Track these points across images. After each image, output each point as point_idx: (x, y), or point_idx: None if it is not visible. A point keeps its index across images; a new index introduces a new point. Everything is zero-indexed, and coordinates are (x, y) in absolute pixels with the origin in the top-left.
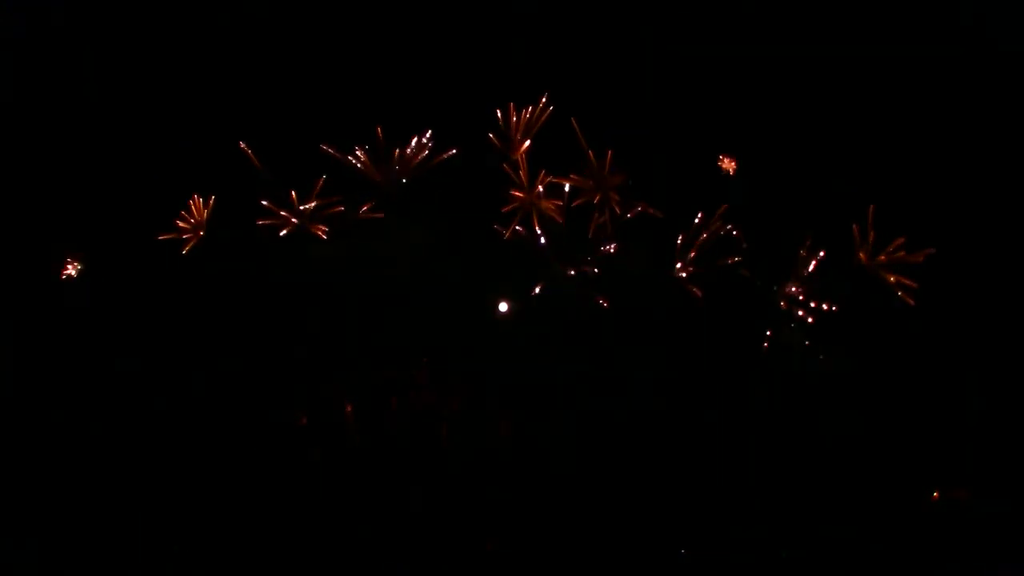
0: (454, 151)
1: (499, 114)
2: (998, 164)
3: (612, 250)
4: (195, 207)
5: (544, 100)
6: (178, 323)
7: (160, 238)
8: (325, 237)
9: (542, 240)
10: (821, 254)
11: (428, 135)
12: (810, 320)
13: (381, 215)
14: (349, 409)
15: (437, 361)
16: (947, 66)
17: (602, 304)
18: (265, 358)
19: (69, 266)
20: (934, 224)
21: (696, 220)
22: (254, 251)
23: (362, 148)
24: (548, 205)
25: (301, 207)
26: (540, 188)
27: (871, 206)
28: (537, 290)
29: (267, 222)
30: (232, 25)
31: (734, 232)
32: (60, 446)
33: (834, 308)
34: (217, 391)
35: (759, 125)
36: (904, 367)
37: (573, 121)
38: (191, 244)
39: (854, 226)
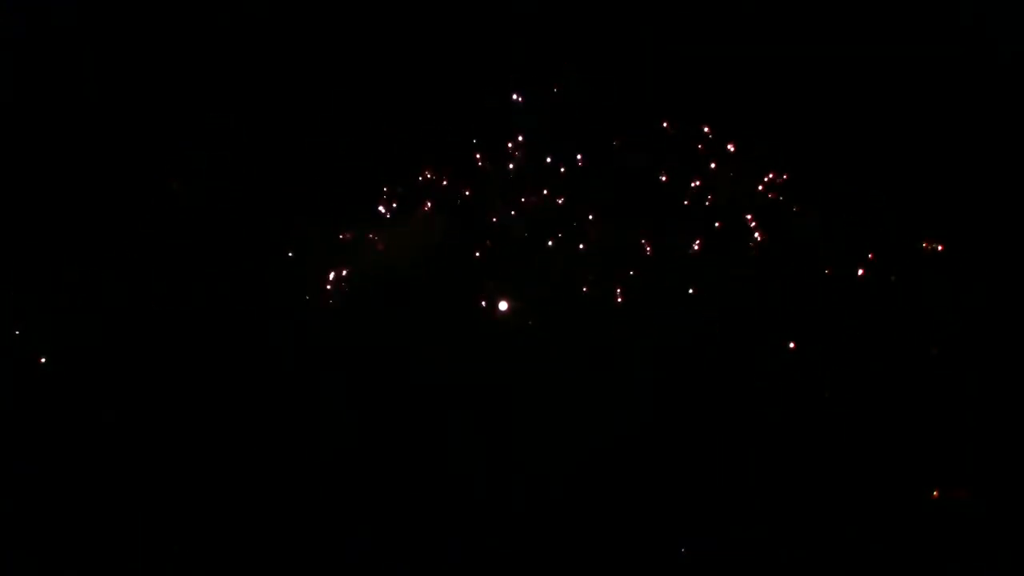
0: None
1: None
2: (998, 166)
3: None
4: None
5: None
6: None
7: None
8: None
9: None
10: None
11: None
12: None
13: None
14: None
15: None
16: (946, 67)
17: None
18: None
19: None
20: (934, 224)
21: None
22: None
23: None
24: None
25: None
26: None
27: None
28: None
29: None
30: (233, 25)
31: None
32: (60, 447)
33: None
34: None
35: (753, 126)
36: (904, 366)
37: None
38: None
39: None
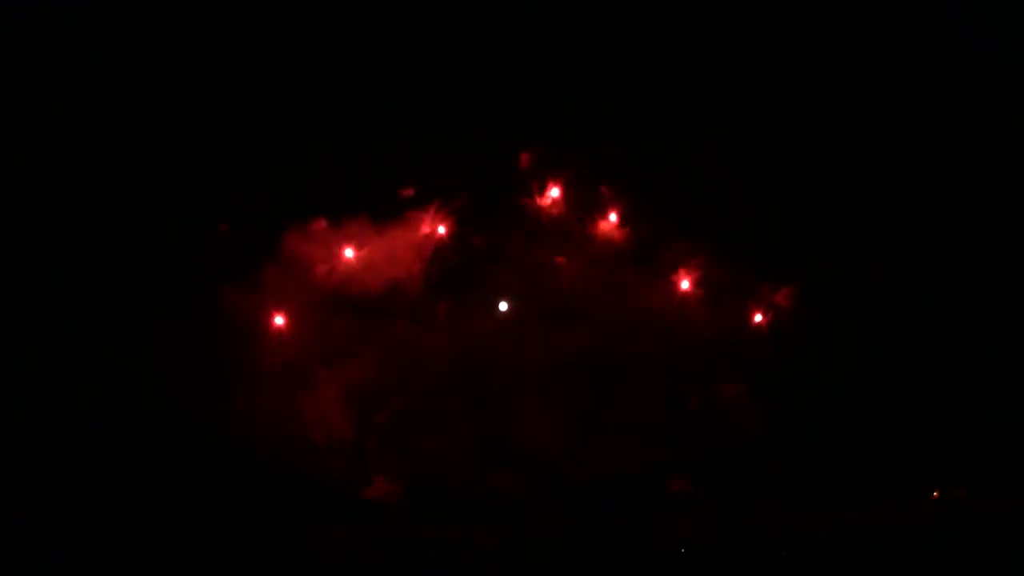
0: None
1: None
2: (996, 165)
3: None
4: None
5: None
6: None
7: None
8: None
9: None
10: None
11: None
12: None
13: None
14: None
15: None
16: (944, 67)
17: None
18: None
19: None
20: (931, 225)
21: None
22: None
23: None
24: None
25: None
26: None
27: None
28: None
29: None
30: (234, 24)
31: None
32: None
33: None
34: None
35: (751, 128)
36: (904, 365)
37: None
38: None
39: None
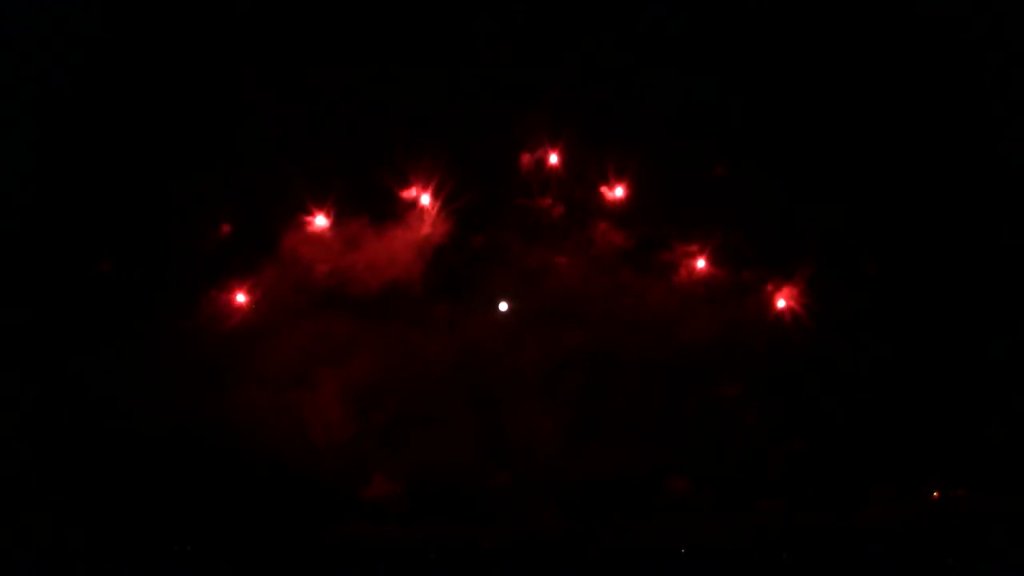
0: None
1: None
2: (995, 163)
3: None
4: None
5: None
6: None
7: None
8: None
9: None
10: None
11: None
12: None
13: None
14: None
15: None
16: (941, 68)
17: None
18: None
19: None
20: (931, 226)
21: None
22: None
23: None
24: None
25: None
26: None
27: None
28: None
29: None
30: (234, 24)
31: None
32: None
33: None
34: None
35: (752, 128)
36: (904, 366)
37: None
38: None
39: None
